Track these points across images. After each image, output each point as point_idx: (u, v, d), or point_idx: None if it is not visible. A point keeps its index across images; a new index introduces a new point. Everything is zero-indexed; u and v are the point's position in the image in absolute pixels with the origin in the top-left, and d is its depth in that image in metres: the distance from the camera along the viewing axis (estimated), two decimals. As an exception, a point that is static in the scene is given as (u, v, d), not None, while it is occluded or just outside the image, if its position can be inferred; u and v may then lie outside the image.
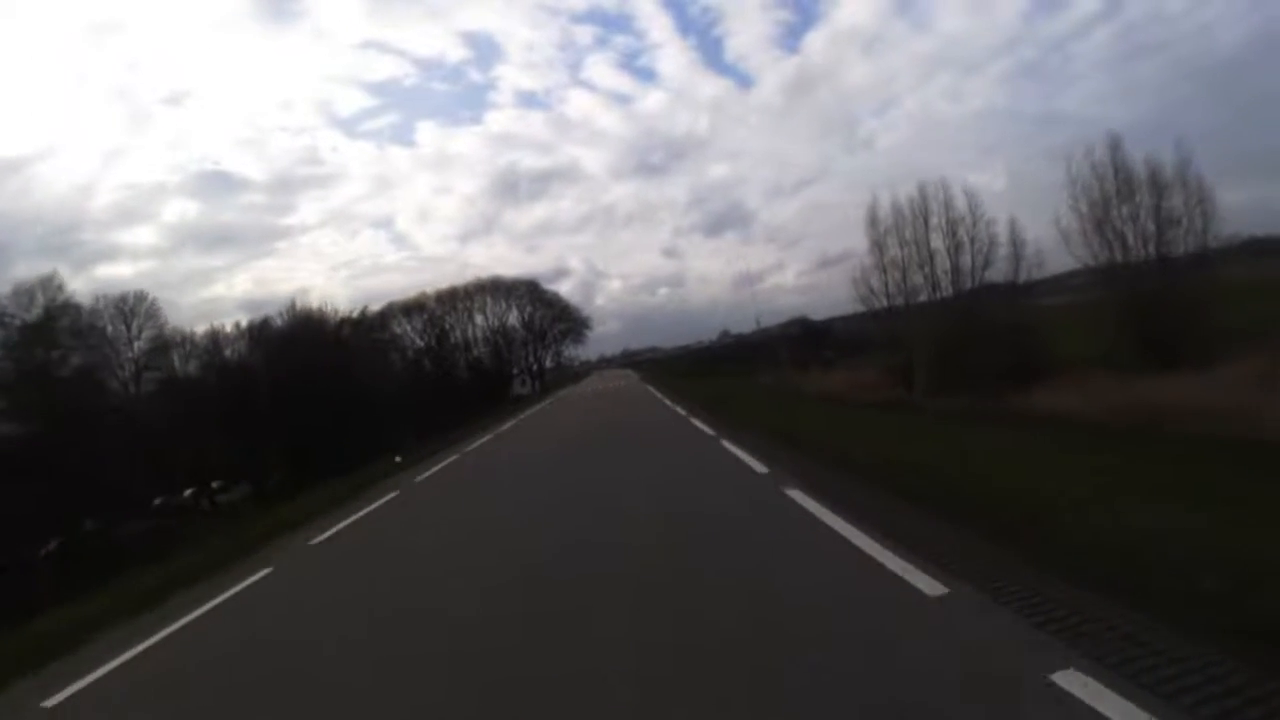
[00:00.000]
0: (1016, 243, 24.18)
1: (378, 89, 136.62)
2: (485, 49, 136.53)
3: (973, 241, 24.90)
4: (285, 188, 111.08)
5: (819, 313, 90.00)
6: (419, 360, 53.06)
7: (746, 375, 45.07)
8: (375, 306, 55.36)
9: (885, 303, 25.27)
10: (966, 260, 24.79)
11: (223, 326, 29.67)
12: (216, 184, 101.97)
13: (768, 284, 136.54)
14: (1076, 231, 20.80)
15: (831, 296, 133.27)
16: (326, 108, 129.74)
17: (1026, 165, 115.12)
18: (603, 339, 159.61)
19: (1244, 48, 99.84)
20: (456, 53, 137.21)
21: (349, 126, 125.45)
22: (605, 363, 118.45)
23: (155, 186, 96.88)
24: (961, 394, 21.34)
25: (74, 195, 77.01)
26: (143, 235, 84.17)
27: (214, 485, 28.80)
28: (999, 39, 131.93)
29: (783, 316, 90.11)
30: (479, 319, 61.37)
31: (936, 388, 22.90)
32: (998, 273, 24.92)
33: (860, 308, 26.78)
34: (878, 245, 25.09)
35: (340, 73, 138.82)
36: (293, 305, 27.65)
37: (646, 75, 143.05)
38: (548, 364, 74.93)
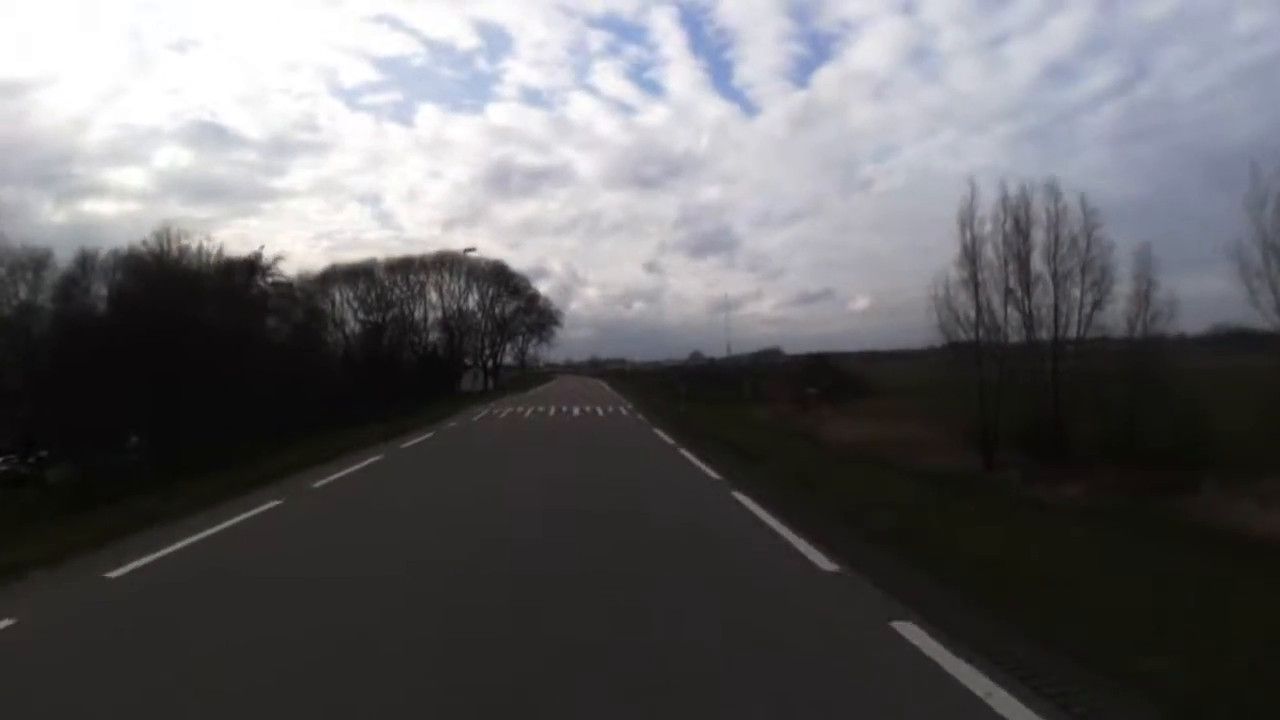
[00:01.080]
0: (1142, 280, 18.04)
1: (384, 64, 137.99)
2: (496, 40, 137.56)
3: (1084, 270, 18.75)
4: (279, 150, 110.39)
5: (791, 347, 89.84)
6: (362, 336, 45.73)
7: (733, 404, 38.72)
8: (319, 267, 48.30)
9: (975, 333, 18.89)
10: (1073, 293, 18.62)
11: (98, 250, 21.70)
12: (211, 136, 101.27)
13: (744, 312, 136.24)
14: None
15: (807, 333, 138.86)
16: (331, 76, 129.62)
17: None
18: (572, 343, 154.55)
19: (1247, 144, 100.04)
20: (468, 40, 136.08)
21: (350, 98, 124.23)
22: (572, 368, 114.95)
23: (150, 130, 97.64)
24: (1072, 478, 15.26)
25: (69, 127, 77.92)
26: (132, 177, 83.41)
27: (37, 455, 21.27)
28: (1007, 102, 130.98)
29: (753, 346, 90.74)
30: (433, 295, 54.14)
31: (1035, 463, 16.64)
32: (1108, 316, 18.80)
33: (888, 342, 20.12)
34: (969, 255, 18.74)
35: (349, 42, 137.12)
36: (164, 243, 20.01)
37: (652, 88, 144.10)
38: (509, 361, 68.00)
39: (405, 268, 46.74)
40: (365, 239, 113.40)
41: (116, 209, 79.65)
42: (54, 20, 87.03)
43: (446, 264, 53.97)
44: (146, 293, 18.76)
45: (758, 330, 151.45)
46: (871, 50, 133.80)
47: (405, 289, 47.74)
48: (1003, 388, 18.67)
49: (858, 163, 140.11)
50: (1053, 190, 19.23)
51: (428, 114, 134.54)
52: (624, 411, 28.06)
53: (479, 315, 58.25)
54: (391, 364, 43.64)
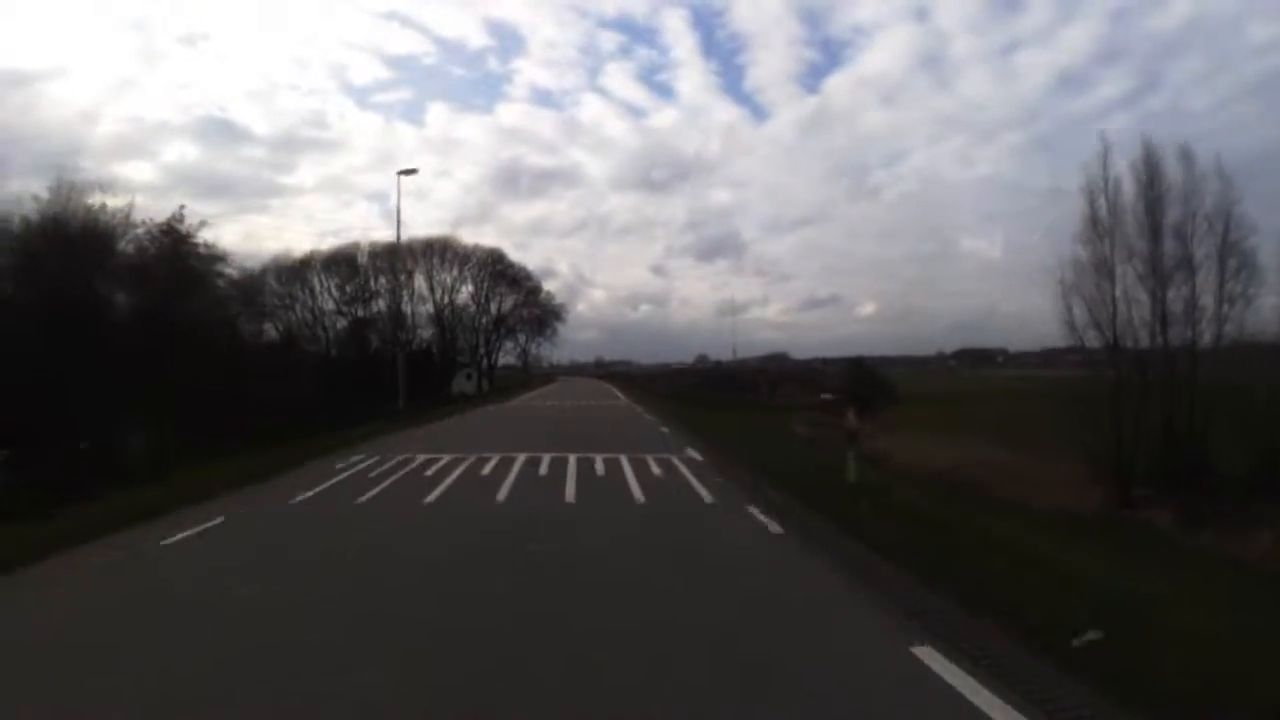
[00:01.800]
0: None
1: (395, 62, 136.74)
2: (508, 40, 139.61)
3: (1222, 262, 14.58)
4: (288, 146, 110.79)
5: (797, 352, 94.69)
6: (346, 332, 41.75)
7: (752, 412, 34.55)
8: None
9: (1109, 336, 14.72)
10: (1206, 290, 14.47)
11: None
12: (220, 132, 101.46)
13: (749, 316, 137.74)
14: None
15: (813, 338, 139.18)
16: (341, 73, 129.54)
17: (1027, 238, 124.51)
18: (577, 344, 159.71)
19: (1259, 155, 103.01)
20: (479, 39, 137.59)
21: (361, 96, 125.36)
22: (576, 369, 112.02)
23: (159, 124, 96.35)
24: (1249, 522, 11.33)
25: (78, 120, 77.68)
26: (140, 171, 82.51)
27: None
28: (1018, 110, 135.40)
29: (759, 350, 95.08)
30: (423, 287, 49.62)
31: (1175, 497, 12.45)
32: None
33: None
34: (1100, 230, 14.56)
35: (360, 39, 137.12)
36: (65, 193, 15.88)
37: (663, 91, 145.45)
38: (510, 360, 63.74)
39: (391, 255, 42.54)
40: (373, 237, 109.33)
41: (124, 204, 77.67)
42: (62, 10, 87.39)
43: (437, 251, 49.75)
44: (25, 267, 14.70)
45: (763, 335, 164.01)
46: (883, 56, 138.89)
47: (391, 279, 43.50)
48: (1130, 399, 14.43)
49: (867, 169, 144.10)
50: (1186, 155, 14.99)
51: (438, 113, 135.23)
52: (627, 410, 24.68)
53: (473, 309, 53.77)
54: (373, 363, 39.71)
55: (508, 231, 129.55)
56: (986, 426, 23.58)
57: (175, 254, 17.36)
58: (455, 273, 51.23)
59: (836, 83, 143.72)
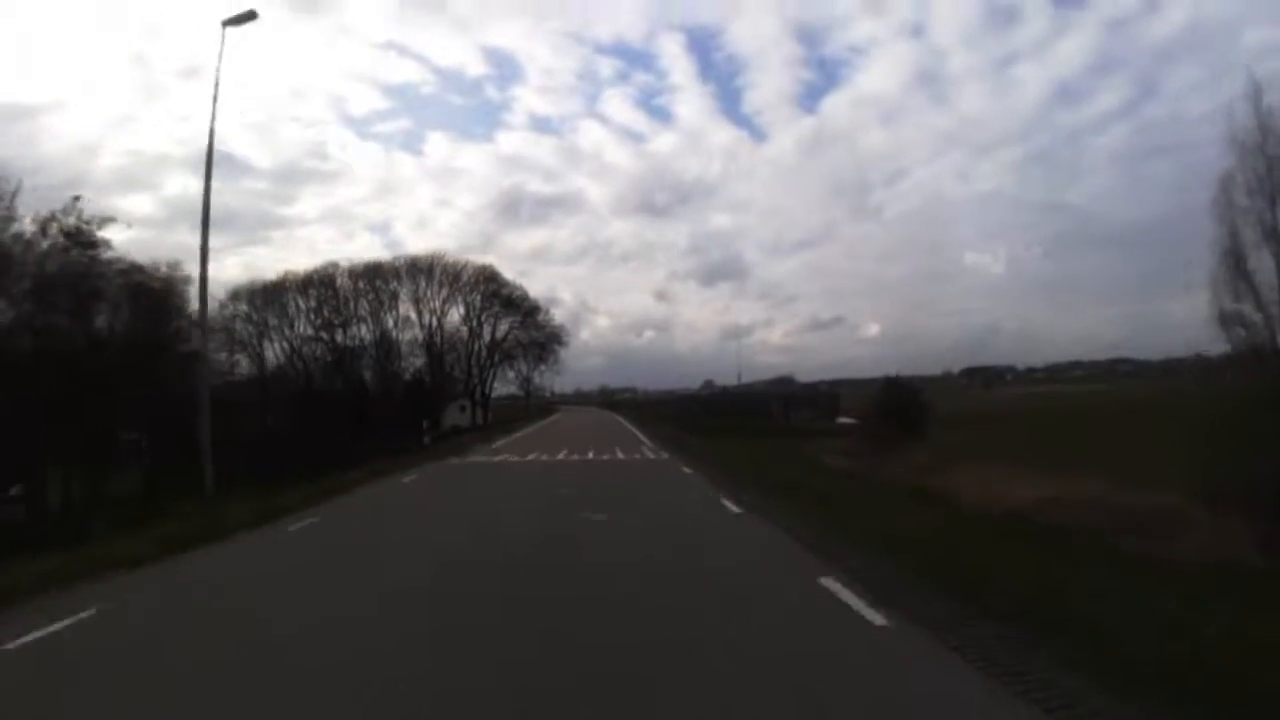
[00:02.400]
0: None
1: (393, 92, 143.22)
2: (506, 67, 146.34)
3: None
4: (289, 178, 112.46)
5: (802, 375, 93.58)
6: (328, 363, 38.76)
7: (770, 438, 31.33)
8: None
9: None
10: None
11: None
12: (220, 165, 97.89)
13: (754, 339, 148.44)
14: None
15: (818, 360, 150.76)
16: (340, 104, 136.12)
17: (1026, 252, 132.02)
18: (581, 373, 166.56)
19: None
20: (477, 67, 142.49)
21: (360, 126, 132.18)
22: (580, 399, 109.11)
23: (159, 157, 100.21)
24: None
25: (78, 153, 79.03)
26: (140, 204, 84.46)
27: None
28: (1016, 125, 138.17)
29: (764, 374, 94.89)
30: (410, 311, 45.97)
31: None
32: None
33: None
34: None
35: (359, 69, 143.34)
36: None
37: (662, 116, 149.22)
38: (510, 390, 60.54)
39: (372, 275, 39.74)
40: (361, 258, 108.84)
41: (125, 236, 79.99)
42: (62, 45, 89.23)
43: (423, 270, 46.05)
44: None
45: (768, 358, 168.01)
46: (880, 75, 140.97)
47: (374, 301, 40.58)
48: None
49: (867, 188, 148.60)
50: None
51: (437, 142, 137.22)
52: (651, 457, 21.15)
53: (465, 332, 49.97)
54: (358, 395, 36.74)
55: (510, 259, 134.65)
56: (1049, 451, 20.37)
57: (81, 267, 14.33)
58: (445, 292, 47.67)
59: (834, 103, 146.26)
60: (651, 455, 21.02)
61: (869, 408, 28.96)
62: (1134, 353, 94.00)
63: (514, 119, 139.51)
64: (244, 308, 38.77)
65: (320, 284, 40.66)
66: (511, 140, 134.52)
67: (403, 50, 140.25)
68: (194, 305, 25.03)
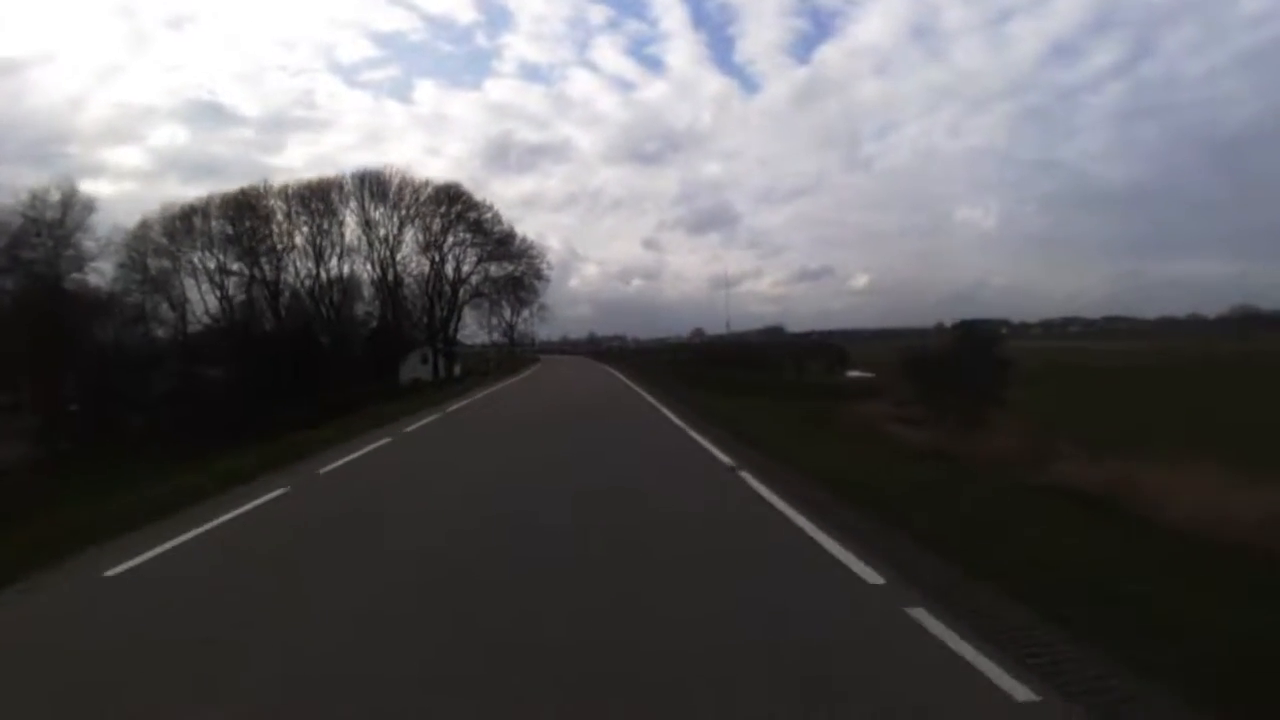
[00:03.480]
0: None
1: (383, 40, 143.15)
2: (496, 14, 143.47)
3: None
4: (277, 127, 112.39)
5: (791, 325, 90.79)
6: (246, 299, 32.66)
7: (797, 397, 25.80)
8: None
9: None
10: None
11: None
12: (208, 114, 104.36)
13: (742, 289, 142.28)
14: None
15: (806, 310, 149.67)
16: (329, 52, 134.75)
17: (1017, 208, 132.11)
18: (570, 321, 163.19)
19: (1251, 125, 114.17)
20: (467, 14, 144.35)
21: (349, 74, 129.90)
22: (569, 347, 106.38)
23: (146, 109, 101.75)
24: None
25: (65, 106, 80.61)
26: (128, 156, 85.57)
27: None
28: (1010, 80, 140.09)
29: (753, 324, 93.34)
30: (351, 232, 38.98)
31: None
32: None
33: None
34: None
35: (348, 17, 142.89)
36: None
37: (653, 64, 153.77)
38: (485, 338, 54.23)
39: (309, 198, 33.27)
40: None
41: (113, 188, 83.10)
42: None
43: (370, 188, 38.14)
44: None
45: (756, 308, 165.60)
46: (875, 26, 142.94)
47: (314, 229, 34.16)
48: None
49: (858, 140, 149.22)
50: None
51: (426, 90, 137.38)
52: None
53: (424, 265, 42.20)
54: (293, 343, 30.81)
55: (499, 207, 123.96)
56: (1168, 425, 15.05)
57: None
58: (401, 213, 40.07)
59: (827, 53, 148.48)
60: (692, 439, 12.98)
61: (920, 361, 23.30)
62: (1122, 310, 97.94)
63: (504, 67, 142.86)
64: (162, 239, 32.36)
65: (245, 207, 33.84)
66: (501, 88, 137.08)
67: None
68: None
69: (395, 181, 39.24)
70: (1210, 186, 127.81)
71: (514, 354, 69.44)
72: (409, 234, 40.96)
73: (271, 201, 34.79)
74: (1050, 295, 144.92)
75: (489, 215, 44.33)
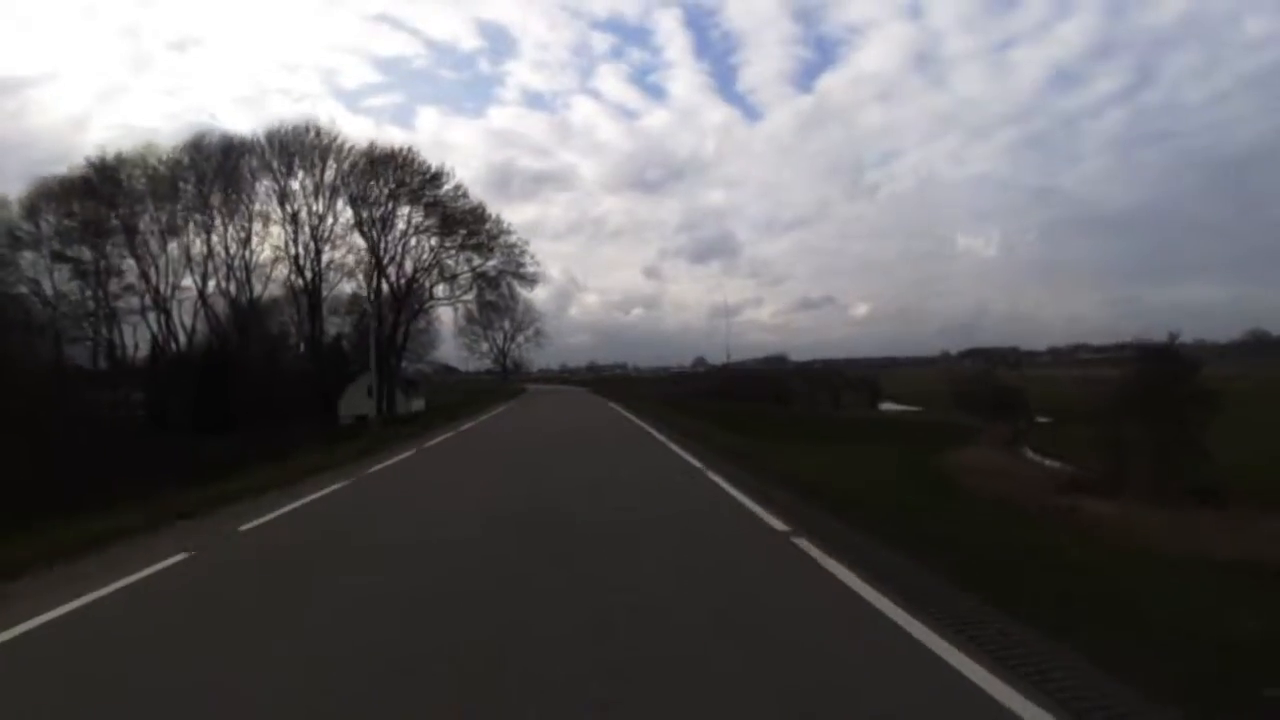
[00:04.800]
0: None
1: (385, 65, 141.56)
2: (499, 41, 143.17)
3: None
4: (279, 152, 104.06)
5: (793, 354, 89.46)
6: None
7: (859, 440, 18.31)
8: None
9: None
10: None
11: None
12: (208, 139, 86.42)
13: (743, 318, 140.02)
14: None
15: (807, 340, 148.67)
16: (331, 77, 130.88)
17: (1019, 236, 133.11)
18: (569, 349, 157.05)
19: (1252, 149, 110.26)
20: (470, 41, 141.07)
21: (351, 100, 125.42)
22: (567, 375, 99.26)
23: (148, 131, 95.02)
24: None
25: (67, 127, 77.21)
26: None
27: None
28: (1012, 107, 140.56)
29: (753, 353, 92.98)
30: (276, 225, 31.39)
31: None
32: None
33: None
34: None
35: (350, 43, 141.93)
36: None
37: (656, 92, 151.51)
38: (485, 367, 45.52)
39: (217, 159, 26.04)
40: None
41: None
42: (52, 16, 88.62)
43: (276, 151, 31.14)
44: None
45: (757, 337, 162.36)
46: (877, 54, 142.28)
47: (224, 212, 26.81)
48: None
49: (860, 168, 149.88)
50: None
51: (428, 117, 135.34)
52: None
53: (362, 252, 33.20)
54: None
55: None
56: None
57: None
58: (319, 178, 31.73)
59: (830, 82, 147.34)
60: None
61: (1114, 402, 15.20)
62: (1124, 336, 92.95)
63: (506, 94, 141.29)
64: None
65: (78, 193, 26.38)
66: (503, 115, 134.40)
67: (396, 23, 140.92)
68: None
69: (318, 141, 31.99)
70: (1209, 211, 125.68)
71: (493, 385, 61.77)
72: (343, 211, 32.99)
73: (126, 175, 27.36)
74: (1050, 322, 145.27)
75: (446, 190, 34.79)
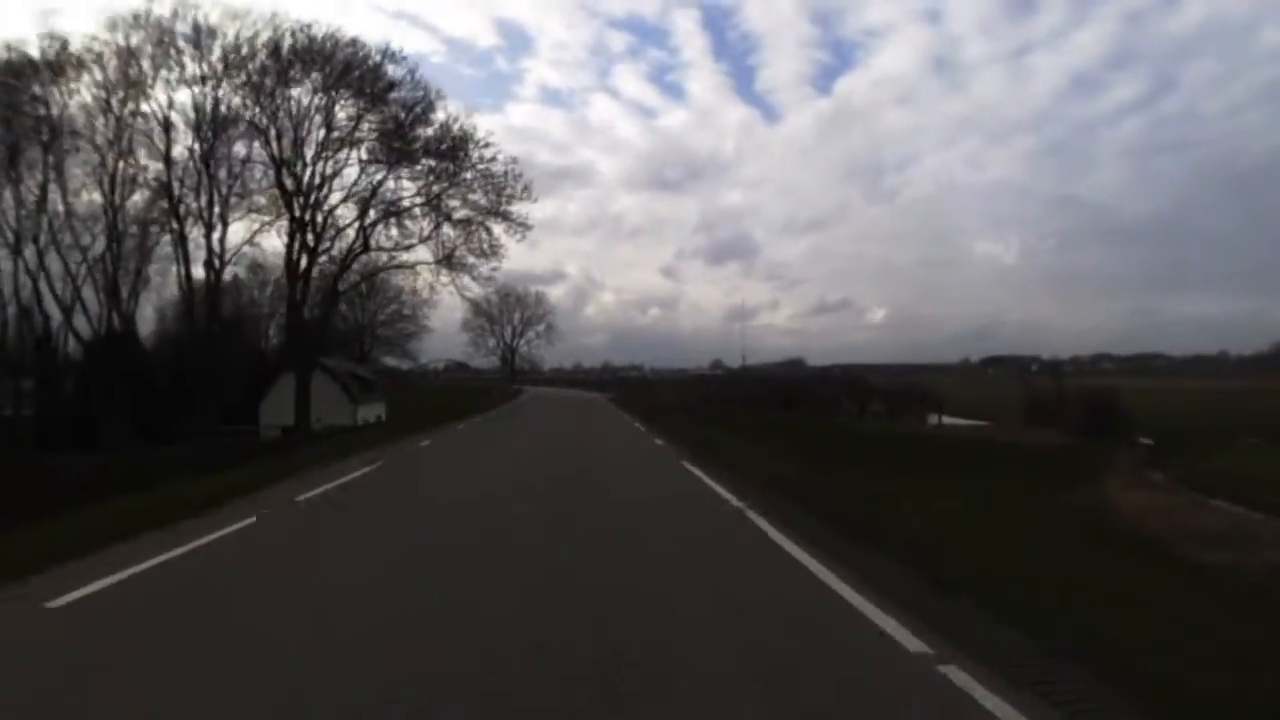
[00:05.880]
0: None
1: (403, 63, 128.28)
2: (517, 39, 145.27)
3: None
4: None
5: (810, 358, 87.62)
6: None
7: (980, 472, 13.24)
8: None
9: None
10: None
11: None
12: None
13: (759, 321, 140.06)
14: None
15: (824, 343, 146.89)
16: None
17: (1037, 243, 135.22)
18: (584, 349, 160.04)
19: (1271, 158, 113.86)
20: (488, 38, 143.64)
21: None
22: (580, 376, 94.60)
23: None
24: None
25: None
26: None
27: None
28: (1029, 114, 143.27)
29: (769, 356, 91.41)
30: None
31: None
32: None
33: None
34: None
35: (369, 40, 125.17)
36: None
37: (674, 92, 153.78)
38: (491, 363, 38.52)
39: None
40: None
41: None
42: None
43: (203, 34, 24.36)
44: None
45: (772, 340, 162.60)
46: (895, 57, 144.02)
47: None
48: None
49: (879, 171, 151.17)
50: None
51: (446, 113, 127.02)
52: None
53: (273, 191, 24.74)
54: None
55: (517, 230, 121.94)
56: None
57: None
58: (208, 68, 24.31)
59: (848, 85, 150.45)
60: None
61: None
62: (1142, 346, 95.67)
63: (524, 91, 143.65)
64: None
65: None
66: (521, 112, 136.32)
67: (414, 20, 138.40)
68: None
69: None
70: (1227, 221, 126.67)
71: (490, 386, 56.72)
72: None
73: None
74: (1066, 330, 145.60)
75: (410, 91, 24.80)
